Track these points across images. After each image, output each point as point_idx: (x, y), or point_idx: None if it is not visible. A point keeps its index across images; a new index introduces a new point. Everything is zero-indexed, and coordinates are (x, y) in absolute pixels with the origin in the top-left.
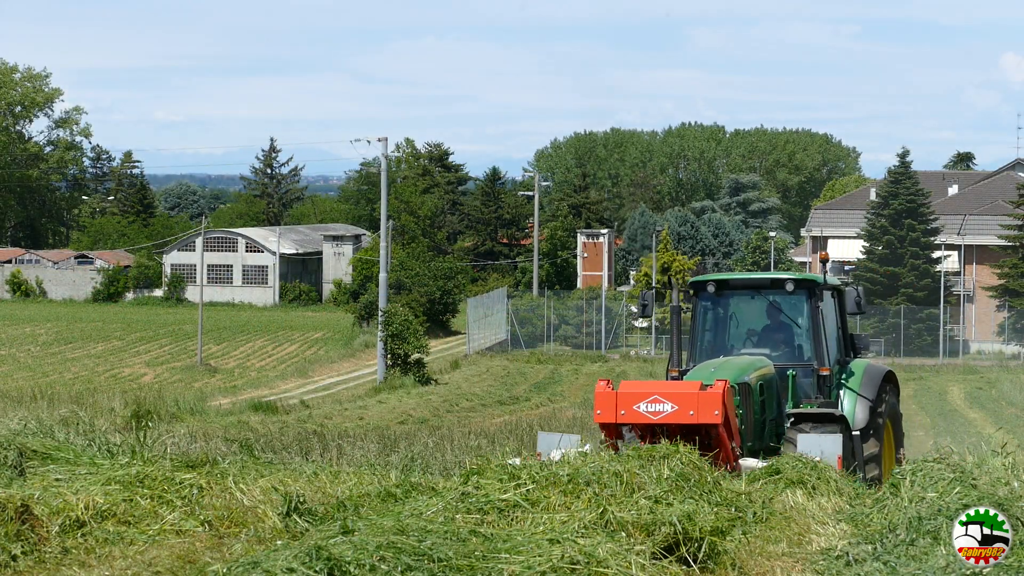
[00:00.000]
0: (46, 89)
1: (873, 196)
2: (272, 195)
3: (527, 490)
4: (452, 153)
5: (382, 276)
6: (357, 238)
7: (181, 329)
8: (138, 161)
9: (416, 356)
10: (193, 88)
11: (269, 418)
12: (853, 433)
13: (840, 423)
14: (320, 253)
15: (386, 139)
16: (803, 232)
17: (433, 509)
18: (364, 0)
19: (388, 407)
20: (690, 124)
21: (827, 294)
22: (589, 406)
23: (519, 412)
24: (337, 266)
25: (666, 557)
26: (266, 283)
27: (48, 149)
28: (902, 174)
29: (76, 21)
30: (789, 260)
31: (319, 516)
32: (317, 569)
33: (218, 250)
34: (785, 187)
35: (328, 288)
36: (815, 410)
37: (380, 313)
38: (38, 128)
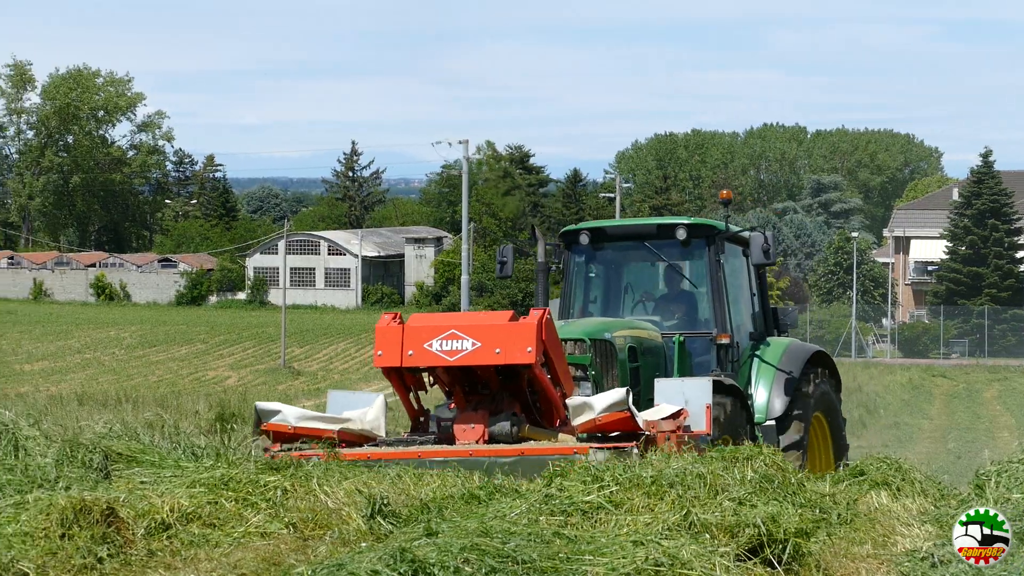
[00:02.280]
0: (128, 94)
1: (956, 196)
2: (354, 198)
3: (611, 492)
4: (533, 155)
5: (464, 278)
6: (439, 240)
7: (263, 332)
8: (221, 165)
9: None
10: (275, 92)
11: None
12: (766, 423)
13: (731, 393)
14: (402, 255)
15: (467, 141)
16: (885, 232)
17: (517, 511)
18: (445, 3)
19: None
20: (771, 125)
21: (736, 250)
22: None
23: None
24: (419, 268)
25: (750, 559)
26: (348, 286)
27: (131, 153)
28: (985, 174)
29: (158, 26)
30: (872, 261)
31: (403, 518)
32: (401, 571)
33: (300, 253)
34: (867, 188)
35: (410, 290)
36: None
37: None
38: (121, 132)
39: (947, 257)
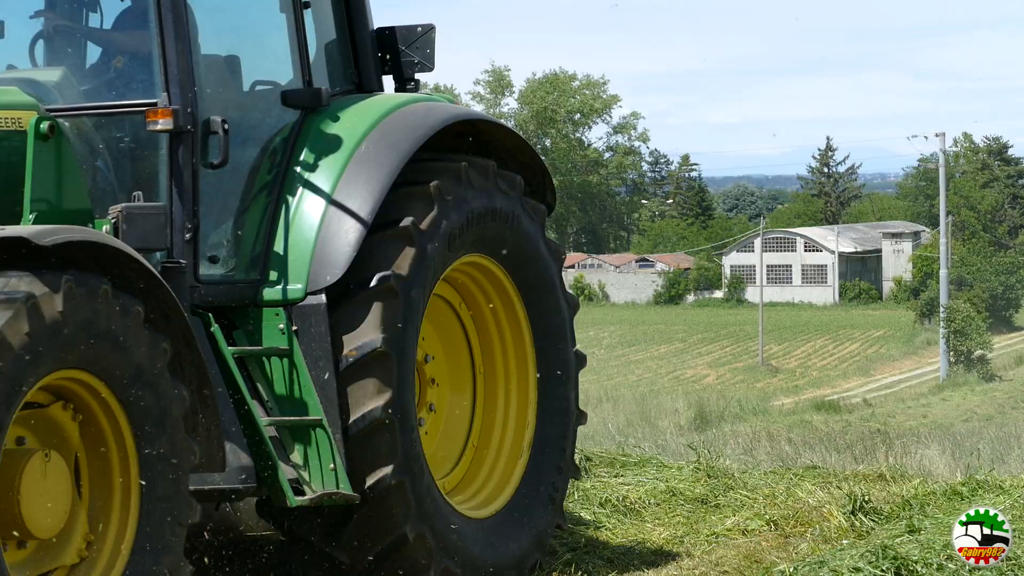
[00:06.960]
0: (604, 96)
1: None
2: (829, 194)
3: None
4: (1011, 146)
5: (943, 273)
6: (916, 235)
7: (742, 330)
8: (696, 164)
9: (979, 352)
10: (748, 89)
11: (831, 417)
12: (305, 301)
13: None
14: (879, 251)
15: (943, 134)
16: None
17: (1001, 507)
18: None
19: (952, 404)
20: None
21: None
22: None
23: None
24: (896, 264)
25: None
26: (825, 282)
27: (607, 155)
28: None
29: (631, 28)
30: None
31: (884, 515)
32: (883, 568)
33: (776, 250)
34: None
35: (888, 286)
36: None
37: (941, 310)
38: (597, 135)
39: None
